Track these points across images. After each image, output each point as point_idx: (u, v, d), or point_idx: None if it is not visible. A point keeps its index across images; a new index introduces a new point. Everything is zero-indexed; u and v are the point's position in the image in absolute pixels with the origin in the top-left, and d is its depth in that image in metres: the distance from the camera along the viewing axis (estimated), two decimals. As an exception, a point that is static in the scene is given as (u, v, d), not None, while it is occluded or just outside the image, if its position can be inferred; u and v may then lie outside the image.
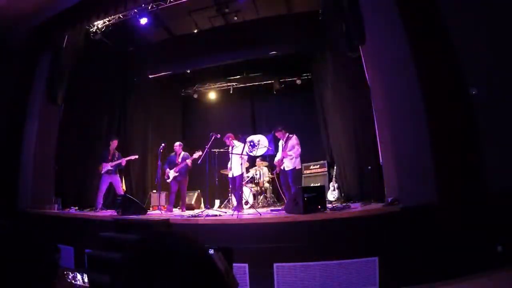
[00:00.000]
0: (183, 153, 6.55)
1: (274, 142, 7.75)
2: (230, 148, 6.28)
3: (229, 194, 7.02)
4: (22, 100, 6.32)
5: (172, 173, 6.41)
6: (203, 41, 7.37)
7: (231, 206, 6.68)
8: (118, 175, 6.43)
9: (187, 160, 6.39)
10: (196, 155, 6.40)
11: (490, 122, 3.86)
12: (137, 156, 6.57)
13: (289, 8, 6.94)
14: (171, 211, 6.36)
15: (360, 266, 3.56)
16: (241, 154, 5.92)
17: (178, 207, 7.29)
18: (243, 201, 6.43)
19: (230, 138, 6.32)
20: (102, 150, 6.60)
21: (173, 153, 6.63)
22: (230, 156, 6.24)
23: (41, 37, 6.37)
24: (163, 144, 6.63)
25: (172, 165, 6.46)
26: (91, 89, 7.11)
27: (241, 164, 5.97)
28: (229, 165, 6.38)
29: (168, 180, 6.47)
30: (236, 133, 8.18)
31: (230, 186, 6.44)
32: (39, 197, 5.98)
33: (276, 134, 6.08)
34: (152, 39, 7.84)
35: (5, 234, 0.76)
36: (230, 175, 6.27)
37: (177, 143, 6.68)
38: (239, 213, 5.05)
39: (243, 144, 6.09)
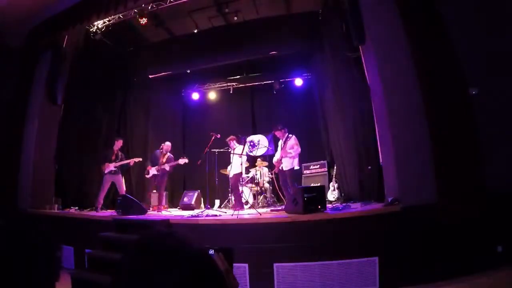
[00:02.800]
0: (169, 154, 6.61)
1: (274, 142, 7.75)
2: (231, 149, 6.34)
3: (229, 194, 7.03)
4: (22, 100, 6.32)
5: (153, 171, 6.50)
6: (203, 41, 7.37)
7: (231, 206, 6.68)
8: (121, 175, 6.42)
9: (167, 165, 6.48)
10: (181, 161, 6.50)
11: (490, 122, 3.87)
12: (141, 159, 6.60)
13: (289, 8, 6.94)
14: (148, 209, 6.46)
15: (360, 266, 3.57)
16: (241, 154, 5.97)
17: (178, 207, 7.30)
18: (243, 201, 6.42)
19: (233, 141, 6.41)
20: (104, 150, 6.60)
21: (158, 150, 6.68)
22: (231, 156, 6.33)
23: (41, 37, 6.37)
24: (163, 144, 6.63)
25: (155, 162, 6.52)
26: (91, 89, 7.11)
27: (241, 163, 6.01)
28: (229, 166, 6.49)
29: (147, 176, 6.52)
30: (236, 133, 8.22)
31: (230, 186, 6.56)
32: (39, 197, 5.98)
33: (276, 133, 6.09)
34: (152, 39, 7.83)
35: (6, 235, 0.76)
36: (231, 175, 6.34)
37: (168, 143, 6.73)
38: (239, 212, 5.09)
39: (242, 146, 6.15)
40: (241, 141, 6.41)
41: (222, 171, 7.06)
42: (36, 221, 5.42)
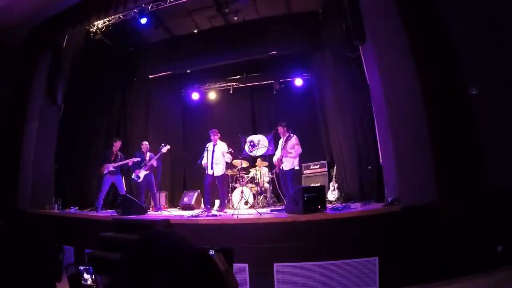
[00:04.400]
0: (149, 153, 6.61)
1: (274, 142, 7.74)
2: (212, 144, 6.02)
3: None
4: (22, 100, 6.31)
5: (143, 172, 6.42)
6: (203, 41, 7.37)
7: (231, 206, 6.67)
8: (120, 175, 6.43)
9: (154, 160, 6.47)
10: (164, 150, 6.45)
11: (491, 121, 3.87)
12: (139, 159, 6.53)
13: (289, 8, 6.94)
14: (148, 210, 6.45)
15: (360, 266, 3.56)
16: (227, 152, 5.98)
17: (178, 207, 7.29)
18: (243, 201, 6.40)
19: (217, 135, 6.07)
20: (104, 151, 6.61)
21: (139, 151, 6.66)
22: (212, 152, 5.93)
23: (41, 37, 6.36)
24: (163, 144, 6.63)
25: (141, 163, 6.46)
26: (91, 89, 7.11)
27: (224, 163, 5.94)
28: (205, 161, 5.99)
29: (139, 180, 6.42)
30: (236, 133, 8.20)
31: (206, 184, 5.98)
32: (39, 197, 5.98)
33: (279, 129, 6.01)
34: (152, 39, 7.83)
35: (6, 235, 0.76)
36: (209, 172, 5.90)
37: (145, 142, 6.72)
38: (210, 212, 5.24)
39: (225, 143, 6.04)
40: (241, 141, 6.37)
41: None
42: (37, 221, 5.42)
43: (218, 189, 6.05)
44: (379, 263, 3.55)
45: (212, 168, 5.87)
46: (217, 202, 7.55)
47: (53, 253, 0.82)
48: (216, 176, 5.92)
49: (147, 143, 6.72)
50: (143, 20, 6.53)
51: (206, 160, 5.95)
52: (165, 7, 6.30)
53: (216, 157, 5.93)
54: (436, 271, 3.46)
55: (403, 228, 3.65)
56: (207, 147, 5.99)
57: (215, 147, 5.99)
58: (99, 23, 6.76)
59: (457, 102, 3.88)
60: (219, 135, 6.14)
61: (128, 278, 0.59)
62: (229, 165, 7.22)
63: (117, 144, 6.45)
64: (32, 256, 0.76)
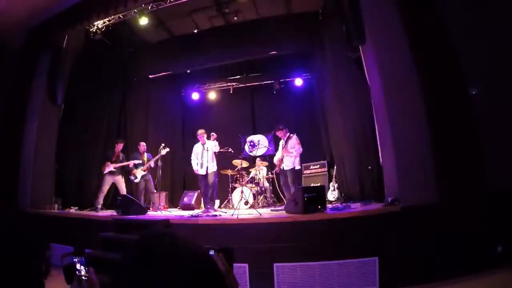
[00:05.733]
0: (146, 154, 6.63)
1: (274, 142, 7.74)
2: (200, 144, 5.97)
3: (208, 193, 6.89)
4: (22, 100, 6.32)
5: (140, 173, 6.43)
6: (203, 41, 7.38)
7: (231, 206, 6.66)
8: (121, 175, 6.44)
9: (152, 161, 6.48)
10: (164, 152, 6.45)
11: (491, 122, 3.87)
12: (141, 161, 6.51)
13: (289, 8, 6.94)
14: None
15: (360, 266, 3.56)
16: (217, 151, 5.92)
17: (178, 207, 7.29)
18: (243, 201, 6.40)
19: (204, 135, 5.97)
20: (106, 151, 6.62)
21: (135, 152, 6.67)
22: (202, 152, 5.89)
23: (41, 37, 6.37)
24: (163, 144, 6.63)
25: (139, 164, 6.47)
26: (91, 89, 7.11)
27: (214, 160, 5.91)
28: (196, 163, 5.97)
29: (136, 180, 6.43)
30: (236, 133, 8.20)
31: (201, 183, 5.98)
32: (39, 197, 5.98)
33: (277, 133, 6.03)
34: (152, 39, 7.84)
35: None
36: (203, 172, 5.84)
37: (143, 143, 6.73)
38: (210, 212, 5.21)
39: (214, 142, 5.96)
40: (241, 141, 6.33)
41: (222, 172, 7.06)
42: (35, 220, 5.42)
43: (209, 184, 5.86)
44: (379, 263, 3.55)
45: (205, 167, 5.79)
46: (217, 202, 7.55)
47: (40, 250, 0.82)
48: (210, 173, 5.85)
49: (144, 144, 6.73)
50: (143, 20, 6.53)
51: (197, 161, 5.92)
52: (165, 7, 6.30)
53: (210, 155, 5.87)
54: (436, 271, 3.46)
55: (403, 228, 3.65)
56: (195, 149, 6.00)
57: (205, 145, 5.89)
58: (99, 23, 6.75)
59: (457, 102, 3.89)
60: (206, 134, 6.02)
61: (128, 278, 0.59)
62: (229, 165, 7.24)
63: (119, 146, 6.46)
64: (20, 254, 0.75)
